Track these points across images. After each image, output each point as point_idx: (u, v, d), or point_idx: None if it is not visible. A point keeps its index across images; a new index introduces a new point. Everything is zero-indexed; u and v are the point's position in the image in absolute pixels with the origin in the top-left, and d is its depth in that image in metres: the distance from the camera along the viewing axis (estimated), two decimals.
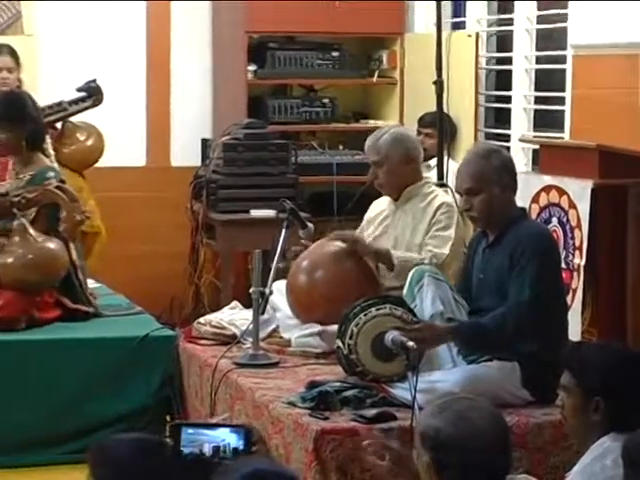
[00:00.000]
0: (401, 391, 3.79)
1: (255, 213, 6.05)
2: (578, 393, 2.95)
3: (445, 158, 5.79)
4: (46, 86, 6.48)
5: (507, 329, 3.85)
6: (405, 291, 4.15)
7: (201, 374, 4.49)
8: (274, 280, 4.46)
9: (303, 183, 6.28)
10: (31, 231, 4.93)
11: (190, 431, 2.96)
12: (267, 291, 4.38)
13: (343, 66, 6.94)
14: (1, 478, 4.57)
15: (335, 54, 6.91)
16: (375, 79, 6.97)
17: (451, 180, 5.67)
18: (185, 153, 6.95)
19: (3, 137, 5.15)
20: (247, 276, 5.94)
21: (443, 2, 6.12)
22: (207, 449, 2.67)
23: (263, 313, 4.46)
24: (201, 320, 4.82)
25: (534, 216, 4.96)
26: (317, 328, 4.47)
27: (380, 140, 4.75)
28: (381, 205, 4.90)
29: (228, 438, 2.76)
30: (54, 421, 4.73)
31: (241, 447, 2.77)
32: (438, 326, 3.90)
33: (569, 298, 4.63)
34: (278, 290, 4.59)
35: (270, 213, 5.91)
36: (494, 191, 3.97)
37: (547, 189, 5.11)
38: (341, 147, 6.90)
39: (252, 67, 6.76)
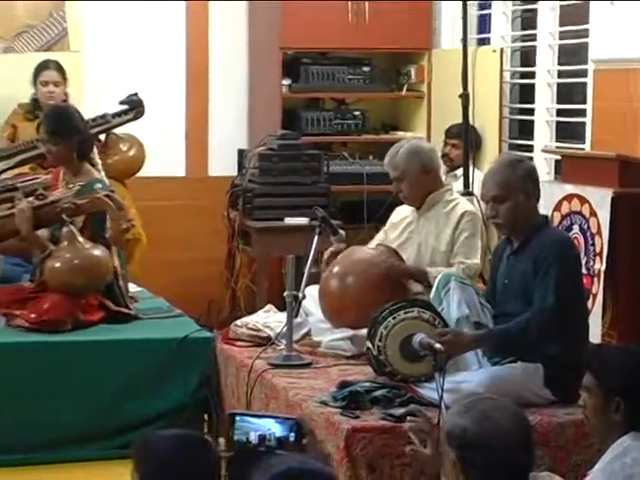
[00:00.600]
0: (428, 391, 3.78)
1: (289, 220, 6.06)
2: (599, 394, 2.94)
3: (471, 168, 5.78)
4: (91, 99, 6.50)
5: (532, 334, 3.83)
6: (432, 295, 4.15)
7: (237, 374, 4.50)
8: (307, 285, 4.47)
9: (335, 192, 6.28)
10: (79, 238, 4.96)
11: (242, 420, 2.98)
12: (300, 295, 4.38)
13: (373, 80, 6.94)
14: (50, 472, 4.59)
15: (365, 69, 6.91)
16: (404, 92, 6.97)
17: (477, 189, 5.66)
18: (222, 163, 6.96)
19: (53, 149, 5.19)
20: (281, 280, 5.94)
21: (469, 19, 6.12)
22: (253, 437, 2.69)
23: (296, 316, 4.45)
24: (237, 322, 4.82)
25: (556, 224, 4.95)
26: (348, 332, 4.47)
27: (397, 156, 4.75)
28: (405, 211, 4.89)
29: (273, 428, 2.79)
30: (98, 418, 4.74)
31: (291, 438, 2.78)
32: (466, 334, 3.89)
33: (590, 302, 4.62)
34: (310, 295, 4.58)
35: (303, 220, 5.92)
36: (519, 199, 3.96)
37: (569, 198, 5.10)
38: (371, 157, 6.89)
39: (286, 81, 6.77)
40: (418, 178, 4.73)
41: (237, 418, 2.95)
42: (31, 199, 5.10)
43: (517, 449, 2.62)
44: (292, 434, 2.78)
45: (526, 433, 2.67)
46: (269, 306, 5.01)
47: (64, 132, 5.15)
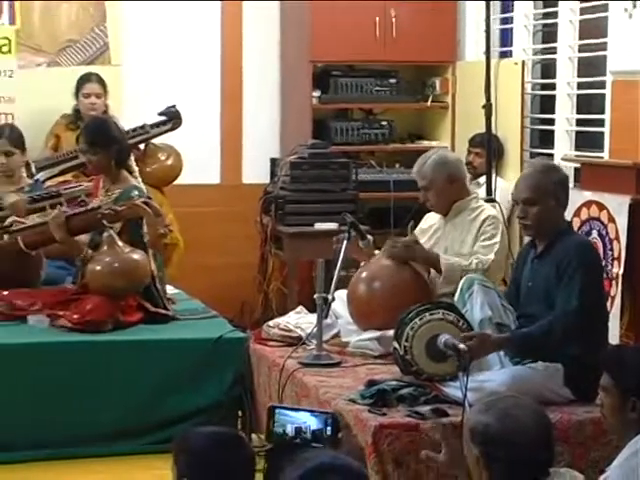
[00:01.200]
0: (452, 389, 3.78)
1: (319, 226, 6.07)
2: (616, 393, 2.94)
3: (493, 176, 5.77)
4: (130, 111, 6.53)
5: (555, 337, 3.82)
6: (456, 297, 4.15)
7: (270, 373, 4.50)
8: (336, 289, 4.47)
9: (363, 199, 6.29)
10: (118, 242, 4.97)
11: (281, 413, 3.00)
12: (330, 297, 4.38)
13: (399, 92, 6.94)
14: (92, 465, 4.60)
15: (392, 81, 6.92)
16: (429, 103, 6.97)
17: (499, 196, 5.66)
18: (255, 171, 6.97)
19: (93, 159, 5.22)
20: (311, 283, 5.94)
21: (492, 32, 6.11)
22: (290, 430, 2.70)
23: (326, 317, 4.45)
24: (270, 323, 4.82)
25: (576, 229, 4.93)
26: (376, 333, 4.47)
27: (425, 166, 4.75)
28: (433, 219, 4.90)
29: (309, 421, 2.79)
30: (137, 415, 4.75)
31: (327, 432, 2.78)
32: (491, 337, 3.88)
33: (608, 305, 4.60)
34: (339, 299, 4.59)
35: (332, 226, 5.92)
36: (549, 204, 3.95)
37: (588, 204, 5.09)
38: (397, 165, 6.89)
39: (316, 93, 6.78)
40: (444, 187, 4.74)
41: (276, 411, 2.97)
42: (64, 207, 5.13)
43: (538, 445, 2.62)
44: (328, 428, 2.78)
45: (546, 430, 2.67)
46: (300, 308, 5.02)
47: (103, 142, 5.17)
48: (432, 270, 4.64)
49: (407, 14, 6.70)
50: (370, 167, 6.80)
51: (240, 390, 4.80)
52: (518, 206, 4.05)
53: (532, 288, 4.02)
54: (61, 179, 5.95)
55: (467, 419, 2.70)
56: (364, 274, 4.61)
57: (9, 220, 5.27)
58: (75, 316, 4.89)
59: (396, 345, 3.98)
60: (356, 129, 6.84)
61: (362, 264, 4.79)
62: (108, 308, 4.89)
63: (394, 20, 6.69)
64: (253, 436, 4.52)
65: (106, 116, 5.93)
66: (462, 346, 3.68)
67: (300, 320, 4.76)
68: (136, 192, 5.13)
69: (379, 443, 3.56)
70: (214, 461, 2.50)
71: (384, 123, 6.90)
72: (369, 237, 4.84)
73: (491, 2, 5.99)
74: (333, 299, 4.41)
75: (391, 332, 4.12)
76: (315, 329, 4.41)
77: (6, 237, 5.20)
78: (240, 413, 4.84)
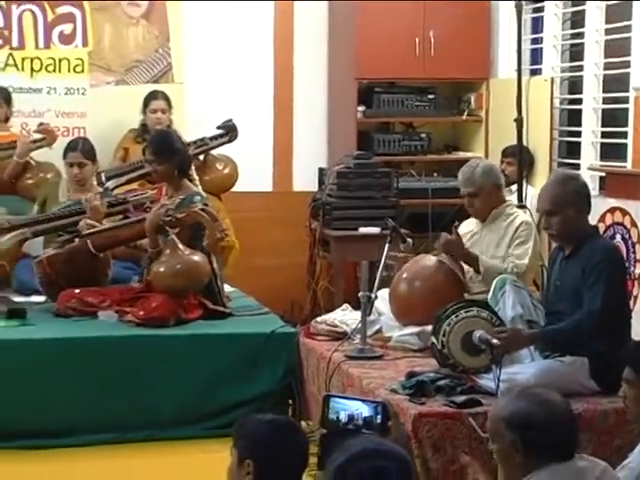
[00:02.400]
0: (486, 381, 3.77)
1: (363, 230, 6.06)
2: (638, 386, 2.91)
3: (524, 184, 5.74)
4: (192, 125, 6.56)
5: (582, 333, 3.80)
6: (490, 296, 4.14)
7: (318, 365, 4.51)
8: (378, 288, 4.47)
9: (403, 205, 6.27)
10: (179, 245, 5.01)
11: (334, 401, 3.01)
12: (373, 295, 4.39)
13: (437, 106, 6.92)
14: (158, 448, 4.63)
15: (430, 96, 6.90)
16: (464, 117, 6.94)
17: (529, 202, 5.63)
18: (305, 180, 6.98)
19: (158, 168, 5.26)
20: (356, 282, 5.94)
21: (523, 52, 6.07)
22: (343, 416, 2.70)
23: (370, 314, 4.46)
24: (318, 319, 4.83)
25: (601, 233, 4.89)
26: (416, 329, 4.46)
27: (474, 174, 4.73)
28: (470, 224, 4.89)
29: (361, 408, 2.80)
30: (197, 402, 4.77)
31: (377, 420, 2.78)
32: (522, 332, 3.86)
33: (631, 303, 4.57)
34: (382, 297, 4.59)
35: (375, 230, 5.92)
36: (569, 213, 3.91)
37: (612, 210, 5.06)
38: (435, 174, 6.87)
39: (361, 108, 6.78)
40: (491, 193, 4.73)
41: (331, 399, 2.98)
42: (162, 210, 5.11)
43: (567, 431, 2.61)
44: (378, 416, 2.78)
45: (572, 417, 2.66)
46: (345, 305, 5.02)
47: (166, 153, 5.21)
48: (467, 271, 4.62)
49: (445, 35, 6.67)
50: (410, 176, 6.79)
51: (290, 380, 4.82)
52: (542, 217, 4.02)
53: (560, 287, 4.00)
54: (128, 187, 6.00)
55: (500, 407, 2.68)
56: (405, 275, 4.61)
57: (80, 225, 5.33)
58: (141, 312, 4.93)
59: (434, 340, 3.98)
60: (397, 141, 6.83)
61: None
62: (171, 306, 4.93)
63: (432, 40, 6.67)
64: (302, 423, 4.53)
65: (170, 129, 5.97)
66: (495, 341, 3.67)
67: (345, 317, 4.76)
68: (198, 198, 5.16)
69: (418, 430, 3.56)
70: (272, 446, 2.51)
71: (423, 135, 6.89)
72: (409, 240, 4.83)
73: (522, 23, 5.95)
74: (376, 297, 4.42)
75: (429, 328, 4.11)
76: (359, 325, 4.42)
77: (77, 240, 5.26)
78: (290, 401, 4.85)
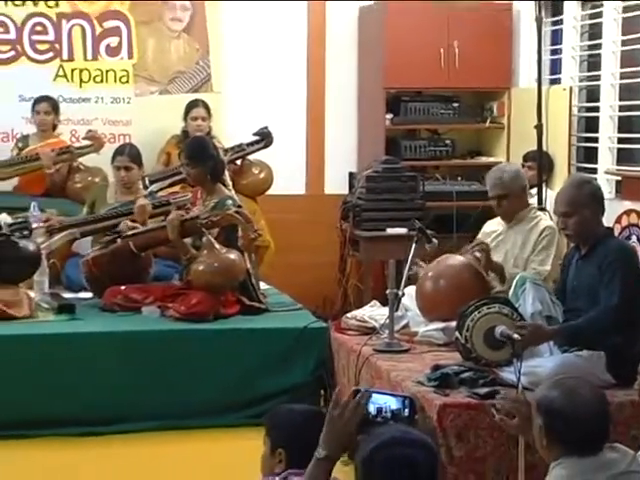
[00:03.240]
0: (507, 374, 3.75)
1: (391, 231, 6.04)
2: None
3: (544, 187, 5.71)
4: (230, 132, 6.59)
5: (599, 329, 3.78)
6: (510, 293, 4.12)
7: (348, 358, 4.50)
8: (406, 285, 4.46)
9: (429, 207, 6.25)
10: (216, 245, 5.02)
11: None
12: (400, 293, 4.37)
13: (461, 114, 6.91)
14: (193, 436, 4.64)
15: (455, 105, 6.89)
16: (487, 124, 6.92)
17: (549, 205, 5.60)
18: (336, 183, 6.98)
19: (191, 172, 5.27)
20: (384, 280, 5.92)
21: (543, 62, 6.04)
22: (372, 409, 2.71)
23: (397, 310, 4.44)
24: (348, 315, 4.82)
25: (617, 235, 4.86)
26: (441, 324, 4.45)
27: (503, 177, 4.71)
28: (494, 225, 4.87)
29: (389, 402, 2.80)
30: (234, 392, 4.79)
31: (405, 413, 2.78)
32: (544, 328, 3.84)
33: None
34: (408, 294, 4.58)
35: (402, 231, 5.89)
36: (584, 214, 3.90)
37: (628, 212, 5.02)
38: (459, 178, 6.85)
39: (389, 116, 6.78)
40: (520, 196, 4.73)
41: (359, 393, 2.98)
42: (181, 211, 5.20)
43: (596, 421, 2.58)
44: (405, 409, 2.77)
45: (604, 408, 2.63)
46: (374, 302, 5.01)
47: (199, 158, 5.21)
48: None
49: (468, 46, 6.65)
50: (435, 179, 6.78)
51: (322, 372, 4.83)
52: (559, 218, 4.01)
53: (577, 286, 3.98)
54: (170, 190, 6.03)
55: (535, 393, 2.67)
56: (430, 273, 4.59)
57: (121, 226, 5.36)
58: (182, 308, 4.95)
59: (458, 335, 3.97)
60: (423, 147, 6.83)
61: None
62: (211, 302, 4.94)
63: (457, 51, 6.65)
64: None
65: (204, 136, 5.97)
66: (516, 336, 3.65)
67: (374, 312, 4.76)
68: (230, 201, 5.16)
69: (443, 420, 3.55)
70: (303, 435, 2.51)
71: (447, 142, 6.88)
72: (434, 240, 4.82)
73: (542, 35, 5.92)
74: (403, 294, 4.40)
75: (454, 323, 4.10)
76: (387, 320, 4.41)
77: (119, 241, 5.29)
78: (322, 392, 4.85)
